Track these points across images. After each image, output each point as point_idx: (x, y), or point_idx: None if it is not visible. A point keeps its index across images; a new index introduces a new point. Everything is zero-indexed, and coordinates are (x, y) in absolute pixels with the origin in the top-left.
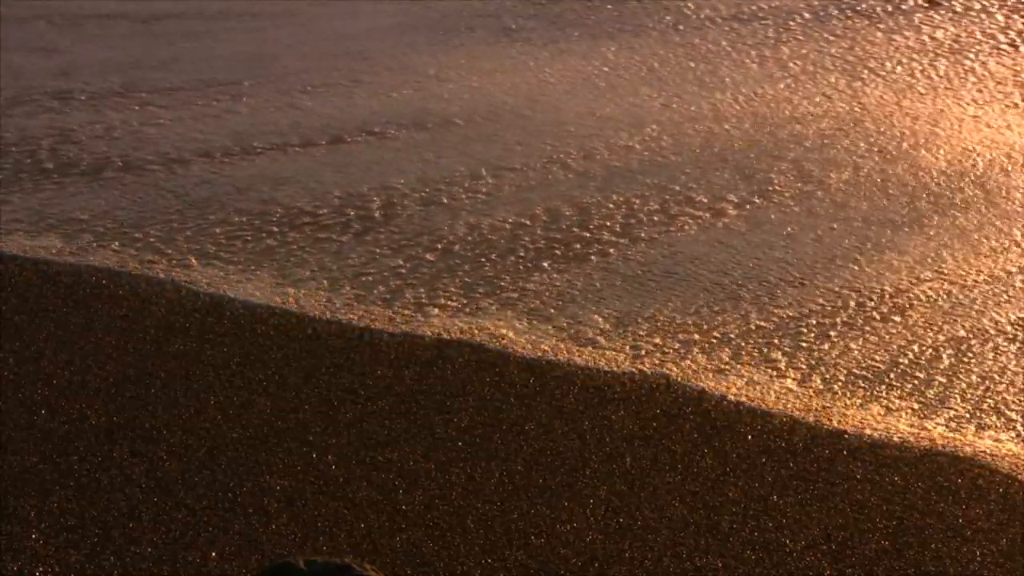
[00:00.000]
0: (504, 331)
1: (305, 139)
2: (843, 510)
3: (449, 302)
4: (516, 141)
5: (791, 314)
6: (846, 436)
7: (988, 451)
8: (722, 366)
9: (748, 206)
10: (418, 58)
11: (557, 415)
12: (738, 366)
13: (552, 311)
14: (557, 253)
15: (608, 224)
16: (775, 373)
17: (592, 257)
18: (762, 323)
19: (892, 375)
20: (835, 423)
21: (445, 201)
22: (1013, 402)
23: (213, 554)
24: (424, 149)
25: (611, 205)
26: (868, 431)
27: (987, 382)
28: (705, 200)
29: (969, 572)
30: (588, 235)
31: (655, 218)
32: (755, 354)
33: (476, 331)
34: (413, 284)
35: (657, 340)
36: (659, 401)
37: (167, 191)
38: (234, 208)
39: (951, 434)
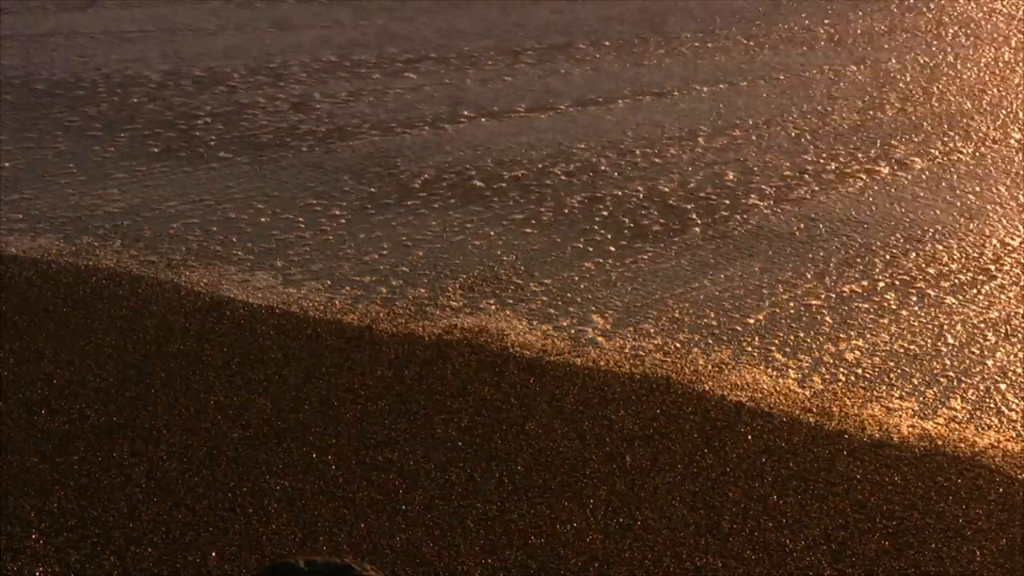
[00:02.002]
0: (504, 331)
1: (538, 104)
2: (843, 510)
3: (450, 302)
4: (772, 102)
5: (789, 312)
6: (846, 436)
7: (988, 451)
8: (722, 366)
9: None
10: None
11: (557, 415)
12: (738, 366)
13: (552, 311)
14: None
15: (730, 199)
16: (775, 373)
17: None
18: (762, 321)
19: (893, 375)
20: (835, 423)
21: (603, 168)
22: (1013, 401)
23: (213, 554)
24: (655, 111)
25: (770, 172)
26: (868, 431)
27: (988, 381)
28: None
29: (969, 572)
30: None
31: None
32: (755, 354)
33: (476, 331)
34: (413, 284)
35: (657, 340)
36: (659, 401)
37: (266, 171)
38: (313, 191)
39: (951, 434)
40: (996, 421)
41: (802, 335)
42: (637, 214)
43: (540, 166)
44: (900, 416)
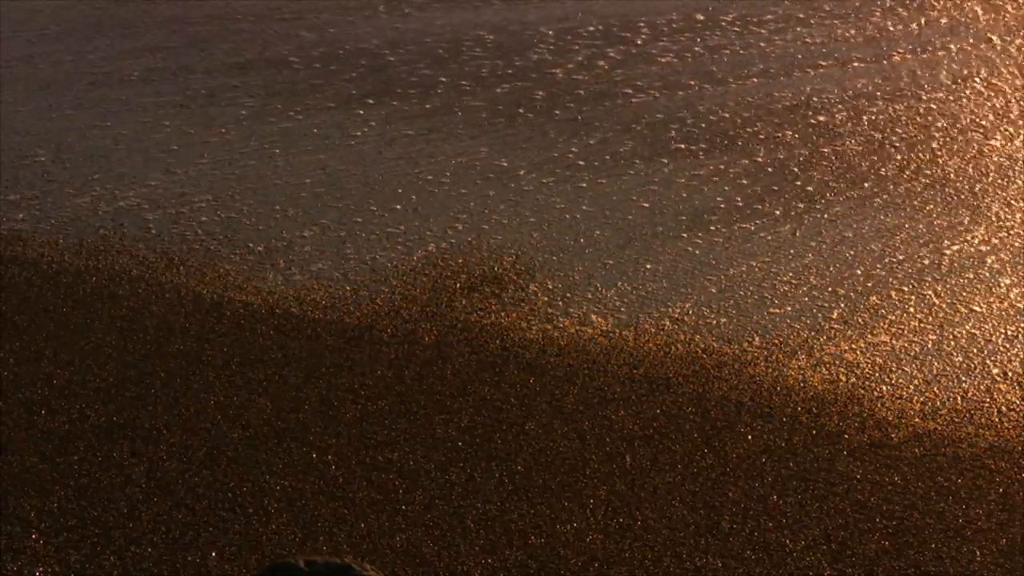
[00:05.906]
0: (504, 331)
1: (834, 57)
2: (843, 510)
3: (451, 302)
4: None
5: (790, 312)
6: (846, 436)
7: (988, 451)
8: (722, 365)
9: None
10: None
11: (557, 415)
12: (738, 366)
13: (551, 311)
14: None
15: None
16: (775, 372)
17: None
18: (762, 321)
19: (892, 375)
20: (835, 423)
21: (835, 119)
22: (1014, 401)
23: (213, 554)
24: (852, 79)
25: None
26: (868, 431)
27: (988, 380)
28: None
29: (969, 572)
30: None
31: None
32: (755, 353)
33: (476, 331)
34: (413, 283)
35: (659, 340)
36: (659, 401)
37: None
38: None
39: (951, 434)
40: (996, 421)
41: (804, 334)
42: (777, 177)
43: (775, 120)
44: (900, 416)
